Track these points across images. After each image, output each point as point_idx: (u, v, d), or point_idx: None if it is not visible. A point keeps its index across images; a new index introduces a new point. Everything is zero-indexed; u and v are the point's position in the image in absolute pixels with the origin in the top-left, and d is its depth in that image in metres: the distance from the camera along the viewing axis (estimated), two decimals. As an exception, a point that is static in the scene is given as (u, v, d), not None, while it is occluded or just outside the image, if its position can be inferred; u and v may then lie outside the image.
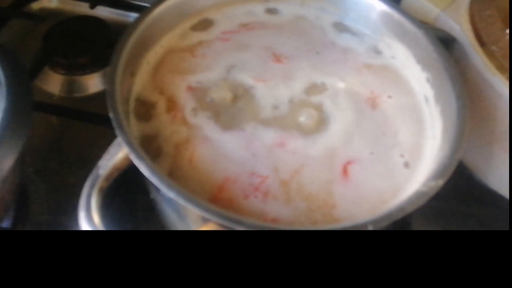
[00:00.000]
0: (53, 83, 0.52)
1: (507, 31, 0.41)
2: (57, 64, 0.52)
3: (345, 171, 0.33)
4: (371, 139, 0.36)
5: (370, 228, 0.26)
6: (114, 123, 0.29)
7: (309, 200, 0.32)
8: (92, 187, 0.29)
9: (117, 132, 0.29)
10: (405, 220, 0.44)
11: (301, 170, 0.33)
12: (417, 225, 0.44)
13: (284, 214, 0.31)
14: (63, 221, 0.42)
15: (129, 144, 0.29)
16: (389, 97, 0.39)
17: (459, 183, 0.46)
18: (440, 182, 0.29)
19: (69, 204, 0.43)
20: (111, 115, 0.30)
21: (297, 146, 0.35)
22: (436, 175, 0.30)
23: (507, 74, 0.39)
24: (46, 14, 0.58)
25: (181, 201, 0.27)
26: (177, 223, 0.34)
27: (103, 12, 0.57)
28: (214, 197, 0.31)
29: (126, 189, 0.44)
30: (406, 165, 0.34)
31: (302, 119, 0.36)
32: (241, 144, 0.34)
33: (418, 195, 0.29)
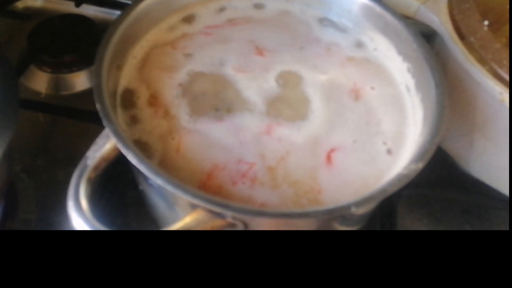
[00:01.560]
0: (39, 81, 0.52)
1: (485, 22, 0.42)
2: (43, 63, 0.52)
3: (329, 158, 0.34)
4: (354, 128, 0.37)
5: (354, 209, 0.27)
6: (101, 114, 0.30)
7: (296, 186, 0.32)
8: (80, 177, 0.29)
9: (104, 122, 0.30)
10: (391, 207, 0.46)
11: (287, 157, 0.34)
12: (402, 213, 0.45)
13: (272, 200, 0.31)
14: (51, 218, 0.42)
15: (116, 133, 0.29)
16: (372, 88, 0.40)
17: (442, 171, 0.48)
18: (420, 165, 0.30)
19: (57, 201, 0.43)
20: (98, 106, 0.30)
21: (282, 134, 0.35)
22: (417, 158, 0.31)
23: (486, 65, 0.40)
24: (31, 13, 0.58)
25: (169, 187, 0.27)
26: (166, 213, 0.35)
27: (88, 10, 0.57)
28: (203, 184, 0.32)
29: (116, 185, 0.44)
30: (389, 152, 0.35)
31: (282, 109, 0.37)
32: (226, 133, 0.35)
33: (399, 177, 0.30)
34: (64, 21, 0.55)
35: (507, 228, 0.44)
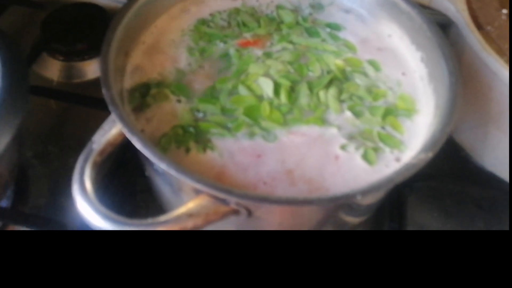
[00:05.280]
0: (51, 69, 0.52)
1: (504, 11, 0.41)
2: (56, 51, 0.52)
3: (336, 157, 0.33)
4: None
5: (359, 197, 0.27)
6: (106, 99, 0.30)
7: (310, 183, 0.31)
8: (85, 160, 0.29)
9: (110, 107, 0.30)
10: (401, 199, 0.44)
11: (304, 158, 0.32)
12: (413, 205, 0.44)
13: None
14: (62, 203, 0.43)
15: (122, 118, 0.29)
16: (403, 74, 0.39)
17: (455, 164, 0.46)
18: (430, 155, 0.29)
19: (68, 187, 0.43)
20: (104, 91, 0.30)
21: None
22: (427, 148, 0.30)
23: (503, 55, 0.39)
24: (45, 1, 0.58)
25: (172, 172, 0.27)
26: (171, 198, 0.35)
27: (101, -1, 0.58)
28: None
29: (124, 172, 0.44)
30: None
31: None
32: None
33: (407, 166, 0.29)
34: (76, 10, 0.55)
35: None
